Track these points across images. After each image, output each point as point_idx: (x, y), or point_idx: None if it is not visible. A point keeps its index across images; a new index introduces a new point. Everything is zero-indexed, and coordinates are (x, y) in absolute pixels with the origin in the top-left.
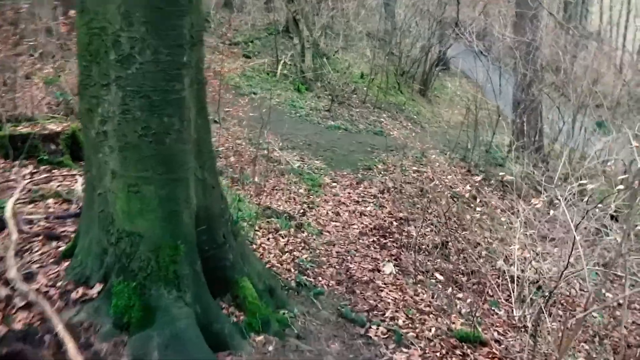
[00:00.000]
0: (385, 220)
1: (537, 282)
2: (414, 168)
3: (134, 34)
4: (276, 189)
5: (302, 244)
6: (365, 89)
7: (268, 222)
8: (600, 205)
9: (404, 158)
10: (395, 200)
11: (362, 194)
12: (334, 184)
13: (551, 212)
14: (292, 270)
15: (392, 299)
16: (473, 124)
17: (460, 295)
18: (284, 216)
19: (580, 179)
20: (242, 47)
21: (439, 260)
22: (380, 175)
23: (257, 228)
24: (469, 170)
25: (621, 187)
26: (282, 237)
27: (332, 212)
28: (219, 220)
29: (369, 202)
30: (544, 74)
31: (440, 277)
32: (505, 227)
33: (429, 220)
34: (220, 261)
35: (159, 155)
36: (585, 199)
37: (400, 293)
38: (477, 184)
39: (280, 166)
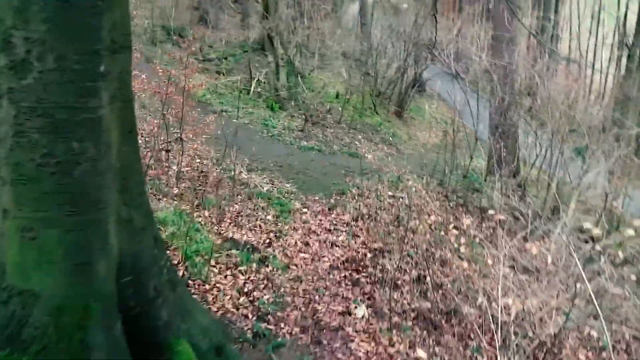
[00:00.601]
0: (358, 252)
1: (520, 323)
2: (390, 193)
3: (31, 34)
4: (241, 215)
5: (265, 282)
6: (340, 109)
7: (228, 255)
8: (592, 242)
9: (380, 182)
10: (370, 229)
11: (334, 222)
12: (305, 210)
13: (549, 258)
14: (250, 315)
15: (363, 353)
16: (450, 147)
17: (439, 340)
18: (246, 248)
19: (573, 214)
20: (215, 63)
21: (416, 297)
22: (354, 200)
23: (213, 263)
24: (446, 195)
25: (631, 232)
26: (242, 274)
27: (301, 242)
28: (150, 269)
29: (342, 231)
30: (521, 98)
31: (418, 323)
32: (484, 258)
33: (405, 251)
34: (151, 320)
35: (65, 190)
36: (591, 245)
37: (373, 344)
38: (467, 226)
39: (248, 189)
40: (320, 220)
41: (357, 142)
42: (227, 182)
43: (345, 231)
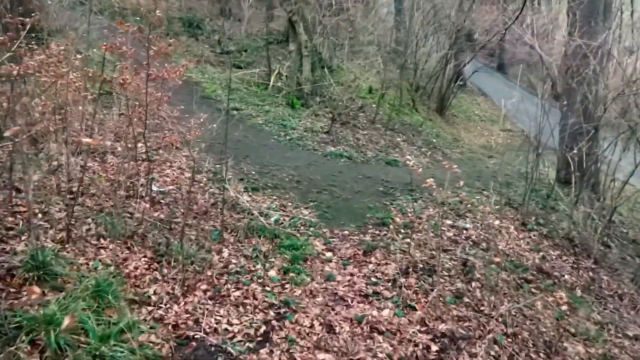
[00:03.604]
0: (417, 344)
1: None
2: (449, 222)
3: None
4: (227, 274)
5: None
6: (374, 106)
7: None
8: None
9: (433, 205)
10: (429, 292)
11: (372, 277)
12: (329, 255)
13: None
14: None
15: None
16: (525, 154)
17: None
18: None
19: None
20: (234, 56)
21: None
22: (401, 237)
23: None
24: (523, 223)
25: None
26: None
27: (321, 325)
28: None
29: (385, 298)
30: (607, 99)
31: None
32: (603, 330)
33: (488, 329)
34: None
35: None
36: None
37: None
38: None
39: (247, 219)
40: (352, 274)
41: (395, 147)
42: (219, 211)
43: (391, 298)
